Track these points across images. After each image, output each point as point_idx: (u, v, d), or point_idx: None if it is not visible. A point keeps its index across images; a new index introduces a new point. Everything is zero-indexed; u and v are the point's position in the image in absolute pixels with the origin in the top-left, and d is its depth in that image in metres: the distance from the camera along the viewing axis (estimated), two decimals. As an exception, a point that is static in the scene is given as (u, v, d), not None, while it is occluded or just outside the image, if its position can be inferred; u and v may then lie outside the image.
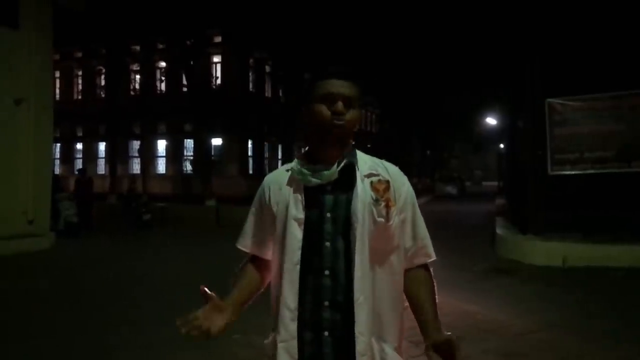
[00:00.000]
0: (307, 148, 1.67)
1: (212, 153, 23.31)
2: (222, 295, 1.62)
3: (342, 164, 1.57)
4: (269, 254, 1.69)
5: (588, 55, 8.70)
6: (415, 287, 1.63)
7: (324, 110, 1.55)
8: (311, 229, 1.55)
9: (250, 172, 28.10)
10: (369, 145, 32.21)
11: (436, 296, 1.63)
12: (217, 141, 25.65)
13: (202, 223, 15.47)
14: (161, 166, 29.76)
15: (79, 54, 30.75)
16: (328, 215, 1.56)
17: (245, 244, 1.73)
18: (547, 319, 5.46)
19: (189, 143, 28.37)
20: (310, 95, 1.59)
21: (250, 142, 28.28)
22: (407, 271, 1.63)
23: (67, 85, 31.61)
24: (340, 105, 1.55)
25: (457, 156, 54.81)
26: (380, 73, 24.90)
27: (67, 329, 5.23)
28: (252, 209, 1.72)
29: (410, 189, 1.65)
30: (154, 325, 5.26)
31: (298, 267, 1.54)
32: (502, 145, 27.83)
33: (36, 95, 11.04)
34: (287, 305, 1.54)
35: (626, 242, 8.10)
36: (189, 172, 27.92)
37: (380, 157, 1.71)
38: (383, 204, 1.56)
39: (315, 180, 1.56)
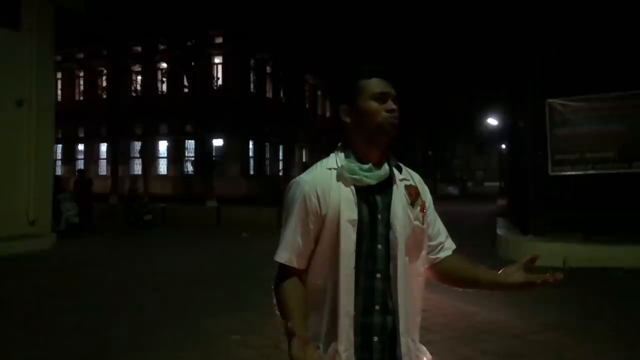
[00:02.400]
0: (342, 146, 1.61)
1: (213, 154, 23.32)
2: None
3: (392, 165, 1.58)
4: (305, 264, 1.57)
5: (588, 55, 8.70)
6: (460, 264, 1.68)
7: (380, 109, 1.54)
8: (363, 230, 1.51)
9: (252, 172, 28.13)
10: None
11: None
12: (218, 142, 25.67)
13: (203, 223, 15.47)
14: (162, 167, 29.77)
15: (81, 55, 30.79)
16: (379, 217, 1.54)
17: (289, 259, 1.54)
18: (547, 319, 5.47)
19: (190, 144, 28.40)
20: (356, 95, 1.56)
21: (251, 143, 28.29)
22: (438, 263, 1.67)
23: (69, 86, 31.62)
24: (394, 104, 1.56)
25: (459, 156, 54.74)
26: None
27: (68, 328, 5.24)
28: (293, 220, 1.53)
29: (429, 194, 1.69)
30: (155, 324, 5.28)
31: (354, 271, 1.49)
32: (503, 146, 27.78)
33: (38, 96, 11.08)
34: (347, 311, 1.48)
35: (627, 243, 8.09)
36: (190, 172, 27.95)
37: None
38: (419, 207, 1.58)
39: (369, 180, 1.52)
